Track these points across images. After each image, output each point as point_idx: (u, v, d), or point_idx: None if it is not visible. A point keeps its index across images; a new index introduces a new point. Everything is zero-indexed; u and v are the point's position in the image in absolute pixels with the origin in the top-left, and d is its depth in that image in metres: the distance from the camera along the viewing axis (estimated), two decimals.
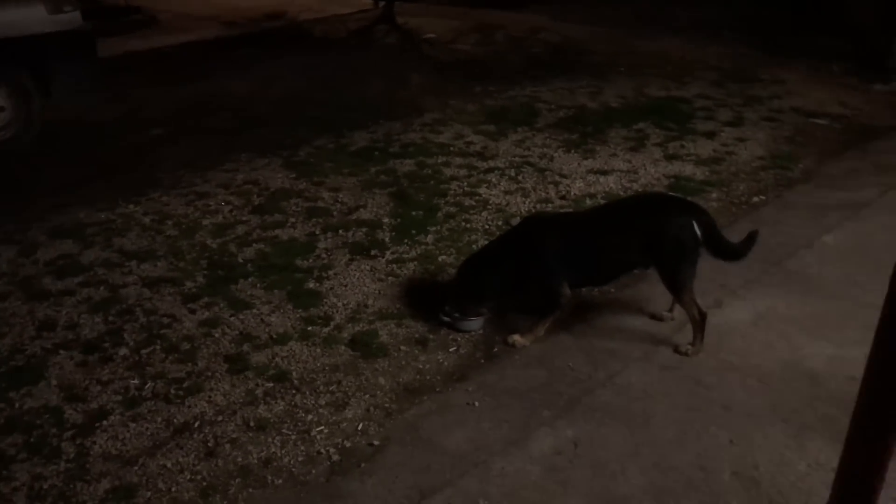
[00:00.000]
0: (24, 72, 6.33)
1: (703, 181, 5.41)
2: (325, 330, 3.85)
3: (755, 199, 5.14)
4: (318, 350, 3.69)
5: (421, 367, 3.57)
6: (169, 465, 2.99)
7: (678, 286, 3.52)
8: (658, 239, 3.52)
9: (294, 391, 3.40)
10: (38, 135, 6.53)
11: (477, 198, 5.27)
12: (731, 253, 3.59)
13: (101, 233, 4.90)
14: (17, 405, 3.34)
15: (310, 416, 3.24)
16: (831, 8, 9.15)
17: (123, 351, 3.69)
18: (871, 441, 1.80)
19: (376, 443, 3.08)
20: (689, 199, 4.10)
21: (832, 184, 5.30)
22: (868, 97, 7.13)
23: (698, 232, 3.47)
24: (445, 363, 3.60)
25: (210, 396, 3.37)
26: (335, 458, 3.02)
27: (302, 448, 3.07)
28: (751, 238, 3.59)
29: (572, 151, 6.06)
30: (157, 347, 3.71)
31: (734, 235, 3.97)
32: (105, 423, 3.21)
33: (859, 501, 1.82)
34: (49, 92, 6.48)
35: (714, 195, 5.18)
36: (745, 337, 3.61)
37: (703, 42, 9.34)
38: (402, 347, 3.71)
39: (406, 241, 4.72)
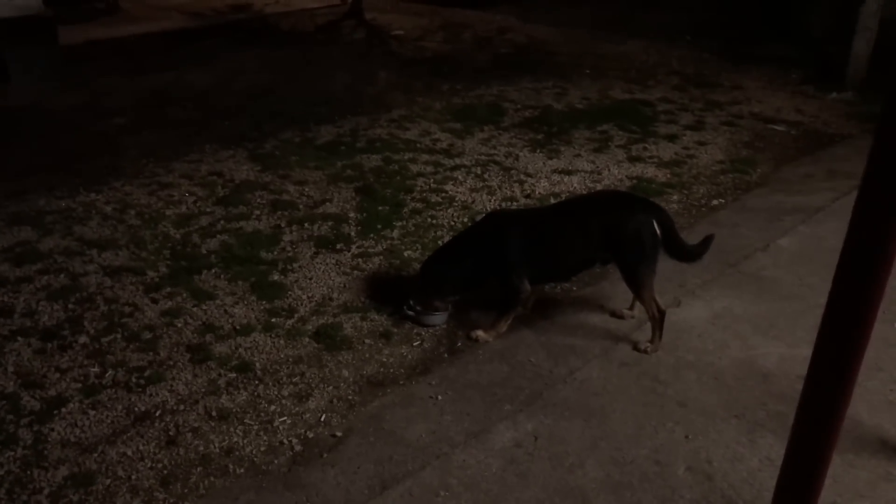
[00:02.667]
0: None
1: (665, 183, 5.52)
2: (290, 322, 3.85)
3: (714, 202, 5.26)
4: (282, 342, 3.69)
5: (384, 360, 3.60)
6: (129, 452, 2.97)
7: (638, 283, 3.59)
8: (618, 235, 3.58)
9: (257, 382, 3.40)
10: None
11: (443, 194, 5.30)
12: (687, 254, 3.67)
13: (61, 220, 4.82)
14: None
15: (273, 407, 3.25)
16: (789, 17, 9.38)
17: (83, 339, 3.65)
18: (813, 438, 1.88)
19: (339, 434, 3.10)
20: (649, 198, 4.17)
21: (788, 188, 5.45)
22: (823, 105, 7.33)
23: (658, 231, 3.54)
24: (409, 357, 3.63)
25: (172, 386, 3.35)
26: (297, 448, 3.03)
27: (264, 438, 3.08)
28: (706, 241, 3.67)
29: (537, 151, 6.13)
30: (118, 336, 3.68)
31: (693, 237, 4.07)
32: (63, 410, 3.18)
33: (801, 497, 1.89)
34: (8, 77, 6.36)
35: (675, 197, 5.29)
36: (701, 336, 3.70)
37: (664, 46, 9.50)
38: (366, 340, 3.73)
39: (372, 235, 4.73)
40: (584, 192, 5.31)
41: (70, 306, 3.91)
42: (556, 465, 2.91)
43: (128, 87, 7.73)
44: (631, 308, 3.86)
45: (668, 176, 5.66)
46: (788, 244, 4.55)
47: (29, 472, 2.87)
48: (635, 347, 3.62)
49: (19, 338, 3.65)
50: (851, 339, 1.75)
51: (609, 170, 5.76)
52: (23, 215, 4.87)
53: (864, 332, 1.71)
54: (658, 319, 3.57)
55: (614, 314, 3.90)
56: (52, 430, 3.07)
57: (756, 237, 4.64)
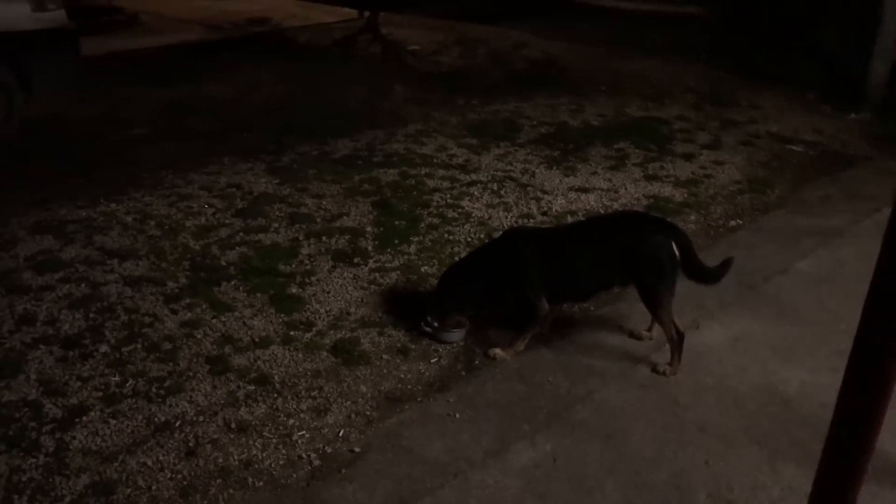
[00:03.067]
0: (5, 68, 6.27)
1: (682, 203, 5.52)
2: (308, 335, 3.86)
3: (732, 222, 5.25)
4: (300, 355, 3.70)
5: (402, 376, 3.60)
6: (149, 462, 2.98)
7: (656, 305, 3.58)
8: (636, 257, 3.58)
9: (276, 395, 3.41)
10: (19, 131, 6.46)
11: (459, 210, 5.32)
12: (705, 276, 3.66)
13: (82, 230, 4.85)
14: None
15: (291, 421, 3.25)
16: (808, 36, 9.38)
17: (104, 348, 3.67)
18: (842, 468, 1.86)
19: (357, 449, 3.10)
20: (668, 219, 4.18)
21: (806, 210, 5.44)
22: (842, 125, 7.32)
23: (676, 252, 3.54)
24: (426, 373, 3.63)
25: (191, 396, 3.37)
26: (316, 462, 3.03)
27: (283, 451, 3.08)
28: (725, 264, 3.67)
29: (554, 168, 6.15)
30: (138, 346, 3.70)
31: (711, 258, 4.07)
32: (85, 418, 3.20)
33: None
34: (31, 88, 6.42)
35: (692, 217, 5.29)
36: (721, 359, 3.69)
37: (680, 64, 9.51)
38: (384, 356, 3.74)
39: (389, 250, 4.75)
40: (602, 211, 5.32)
41: (91, 315, 3.94)
42: (575, 486, 2.90)
43: (148, 99, 7.80)
44: (649, 329, 3.85)
45: (685, 195, 5.65)
46: (808, 267, 4.54)
47: (51, 480, 2.88)
48: (654, 369, 3.61)
49: (41, 346, 3.67)
50: (883, 369, 1.74)
51: (626, 188, 5.76)
52: (45, 224, 4.91)
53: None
54: (677, 342, 3.56)
55: (633, 335, 3.89)
56: (74, 438, 3.09)
57: (775, 259, 4.63)
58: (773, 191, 5.78)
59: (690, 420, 3.27)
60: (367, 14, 12.01)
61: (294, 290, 4.26)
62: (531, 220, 5.19)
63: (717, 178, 6.00)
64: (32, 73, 6.34)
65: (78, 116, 7.16)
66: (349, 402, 3.39)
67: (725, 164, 6.28)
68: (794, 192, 5.80)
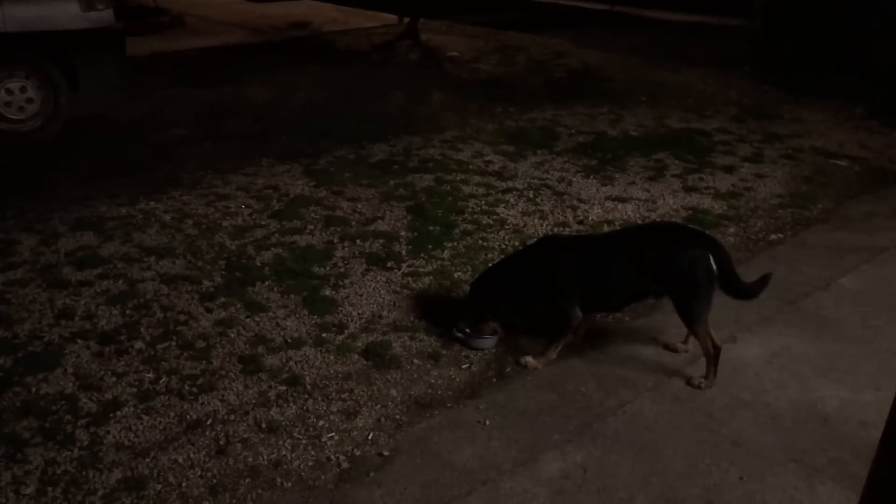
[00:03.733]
0: (54, 66, 6.42)
1: (721, 215, 5.43)
2: (339, 338, 3.87)
3: (773, 236, 5.15)
4: (332, 357, 3.71)
5: (433, 381, 3.58)
6: (180, 459, 3.01)
7: (693, 318, 3.52)
8: (672, 269, 3.52)
9: (306, 396, 3.41)
10: (63, 128, 6.60)
11: (494, 217, 5.29)
12: (742, 292, 3.58)
13: (122, 227, 4.94)
14: (32, 390, 3.37)
15: (321, 422, 3.26)
16: (854, 50, 9.20)
17: (139, 344, 3.72)
18: (889, 490, 1.79)
19: (386, 453, 3.09)
20: (706, 232, 4.11)
21: (850, 226, 5.31)
22: (888, 141, 7.14)
23: (714, 266, 3.47)
24: (457, 379, 3.61)
25: (223, 395, 3.39)
26: (344, 465, 3.03)
27: (312, 453, 3.08)
28: (764, 280, 3.58)
29: (591, 177, 6.09)
30: (173, 343, 3.74)
31: (751, 272, 4.00)
32: (119, 413, 3.24)
33: None
34: (77, 87, 6.56)
35: (731, 230, 5.20)
36: (758, 374, 3.61)
37: (722, 76, 9.38)
38: (415, 360, 3.72)
39: (422, 255, 4.74)
40: (640, 222, 5.26)
41: (128, 312, 4.00)
42: (605, 499, 2.86)
43: (188, 100, 7.93)
44: (685, 342, 3.78)
45: (725, 208, 5.56)
46: (851, 284, 4.43)
47: (84, 473, 2.92)
48: (689, 382, 3.54)
49: (79, 340, 3.73)
50: None
51: (664, 199, 5.69)
52: (85, 221, 5.01)
53: None
54: (713, 355, 3.49)
55: (667, 347, 3.83)
56: (108, 432, 3.13)
57: (816, 275, 4.52)
58: (815, 206, 5.66)
59: (725, 435, 3.20)
60: (406, 20, 12.08)
61: (327, 292, 4.28)
62: (567, 229, 5.15)
63: (758, 191, 5.90)
64: (79, 71, 6.49)
65: (121, 116, 7.31)
66: (379, 406, 3.38)
67: (767, 178, 6.17)
68: (838, 207, 5.67)
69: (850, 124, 7.66)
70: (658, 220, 5.31)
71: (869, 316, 4.06)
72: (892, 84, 7.93)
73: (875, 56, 8.71)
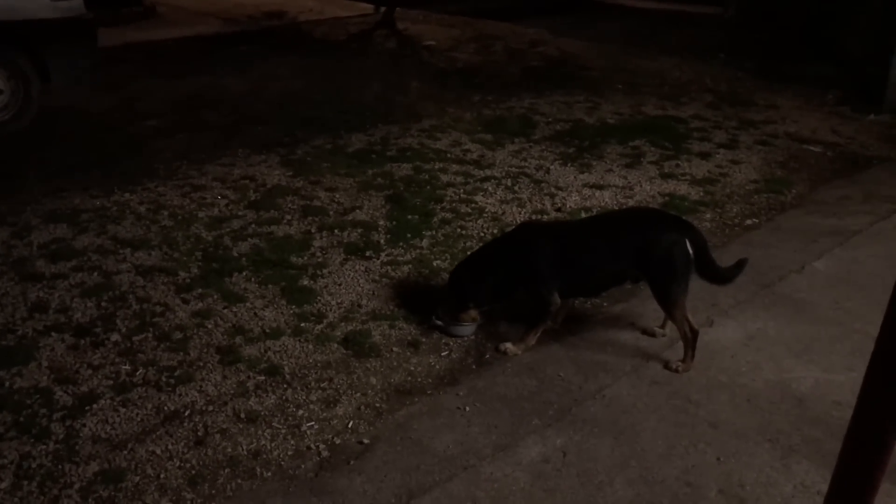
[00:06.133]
0: (24, 56, 6.31)
1: (697, 201, 5.47)
2: (318, 327, 3.85)
3: (748, 221, 5.20)
4: (311, 346, 3.70)
5: (412, 369, 3.59)
6: (158, 451, 2.98)
7: (670, 302, 3.55)
8: (650, 254, 3.54)
9: (285, 386, 3.40)
10: (35, 120, 6.50)
11: (473, 205, 5.29)
12: (718, 277, 3.62)
13: (96, 219, 4.88)
14: (6, 384, 3.33)
15: (300, 412, 3.25)
16: (827, 37, 9.28)
17: (115, 337, 3.68)
18: (860, 467, 1.82)
19: (366, 441, 3.09)
20: (683, 217, 4.14)
21: (823, 210, 5.37)
22: (860, 126, 7.23)
23: (690, 251, 3.50)
24: (437, 366, 3.61)
25: (201, 386, 3.37)
26: (324, 453, 3.02)
27: (292, 442, 3.07)
28: (739, 265, 3.62)
29: (568, 165, 6.11)
30: (150, 335, 3.71)
31: (726, 256, 4.04)
32: (95, 406, 3.20)
33: None
34: (48, 77, 6.46)
35: (708, 216, 5.24)
36: (734, 356, 3.65)
37: (698, 64, 9.44)
38: (395, 349, 3.72)
39: (401, 244, 4.73)
40: (617, 208, 5.28)
41: (103, 304, 3.95)
42: (585, 482, 2.88)
43: (163, 90, 7.84)
44: (662, 326, 3.82)
45: (701, 194, 5.60)
46: (824, 267, 4.48)
47: (60, 467, 2.89)
48: (666, 366, 3.57)
49: (53, 333, 3.68)
50: None
51: (641, 185, 5.72)
52: (59, 213, 4.94)
53: None
54: (690, 339, 3.53)
55: (645, 332, 3.86)
56: (84, 425, 3.10)
57: (791, 259, 4.57)
58: (789, 190, 5.72)
59: (702, 417, 3.23)
60: (383, 9, 12.02)
61: (306, 282, 4.26)
62: (545, 216, 5.16)
63: (734, 176, 5.95)
64: (50, 62, 6.39)
65: (94, 107, 7.21)
66: (359, 394, 3.38)
67: (742, 164, 6.22)
68: (812, 192, 5.73)
69: (823, 110, 7.74)
70: (635, 206, 5.34)
71: (842, 298, 4.12)
72: (862, 70, 8.02)
73: (846, 43, 8.80)
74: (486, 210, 5.23)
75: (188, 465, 2.93)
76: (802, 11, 9.76)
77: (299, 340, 3.73)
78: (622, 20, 12.10)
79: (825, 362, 3.59)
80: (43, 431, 3.06)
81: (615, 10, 13.20)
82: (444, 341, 3.80)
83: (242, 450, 3.02)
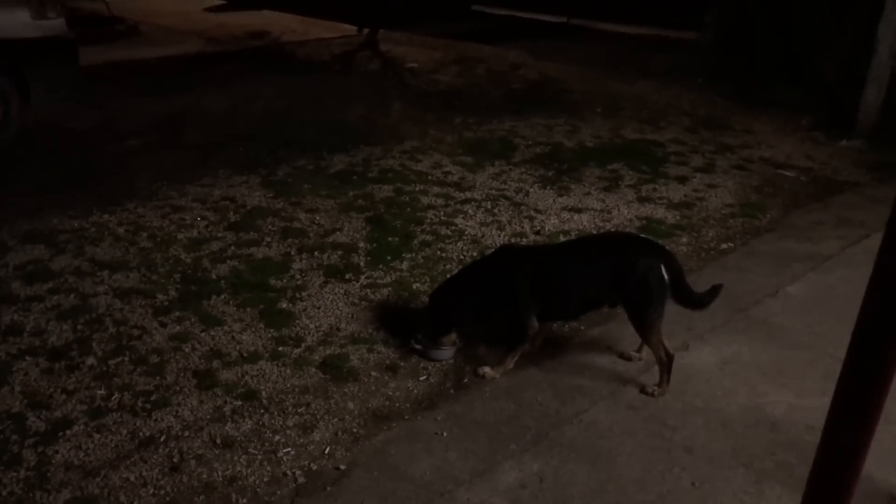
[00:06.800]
0: (4, 75, 6.29)
1: (674, 225, 5.53)
2: (297, 351, 3.85)
3: (723, 245, 5.27)
4: (289, 371, 3.69)
5: (390, 393, 3.59)
6: (132, 478, 2.96)
7: (645, 327, 3.58)
8: (625, 278, 3.58)
9: (262, 411, 3.39)
10: (14, 138, 6.46)
11: (453, 227, 5.32)
12: (694, 302, 3.66)
13: (74, 240, 4.85)
14: None
15: (277, 437, 3.23)
16: (802, 63, 9.45)
17: (91, 360, 3.65)
18: (828, 493, 1.85)
19: (343, 467, 3.08)
20: (659, 242, 4.19)
21: (797, 234, 5.45)
22: (833, 152, 7.36)
23: (666, 276, 3.55)
24: (415, 391, 3.62)
25: (177, 411, 3.35)
26: (301, 480, 3.01)
27: (268, 468, 3.06)
28: (714, 290, 3.66)
29: (548, 188, 6.16)
30: (126, 359, 3.68)
31: (702, 280, 4.09)
32: (69, 432, 3.17)
33: None
34: (28, 96, 6.44)
35: (684, 239, 5.30)
36: (709, 381, 3.69)
37: (676, 88, 9.57)
38: (373, 373, 3.72)
39: (381, 266, 4.75)
40: (595, 232, 5.33)
41: (79, 327, 3.93)
42: None
43: (144, 110, 7.83)
44: (639, 350, 3.85)
45: (678, 218, 5.67)
46: (798, 291, 4.55)
47: (31, 495, 2.85)
48: (643, 390, 3.60)
49: (27, 357, 3.65)
50: (872, 390, 1.73)
51: (619, 209, 5.78)
52: (36, 233, 4.91)
53: (884, 385, 1.69)
54: (666, 363, 3.56)
55: (622, 356, 3.89)
56: (57, 452, 3.07)
57: (765, 283, 4.63)
58: (764, 215, 5.80)
59: (678, 441, 3.26)
60: (366, 31, 12.10)
61: (284, 304, 4.26)
62: (524, 239, 5.20)
63: (710, 201, 6.03)
64: (30, 80, 6.37)
65: (74, 126, 7.18)
66: (336, 419, 3.37)
67: (718, 188, 6.30)
68: (786, 216, 5.82)
69: (798, 135, 7.87)
70: (613, 230, 5.39)
71: (815, 322, 4.18)
72: (835, 96, 8.16)
73: (821, 68, 8.96)
74: (466, 232, 5.26)
75: (162, 492, 2.90)
76: (778, 37, 9.94)
77: (277, 364, 3.72)
78: (602, 44, 12.25)
79: (798, 387, 3.64)
80: (14, 458, 3.02)
81: (595, 34, 13.35)
82: (422, 365, 3.80)
83: (218, 476, 3.00)
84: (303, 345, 3.90)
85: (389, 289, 4.49)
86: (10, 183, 5.78)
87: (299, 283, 4.50)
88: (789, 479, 3.00)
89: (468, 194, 5.95)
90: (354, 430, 3.31)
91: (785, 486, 2.97)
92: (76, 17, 8.59)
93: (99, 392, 3.44)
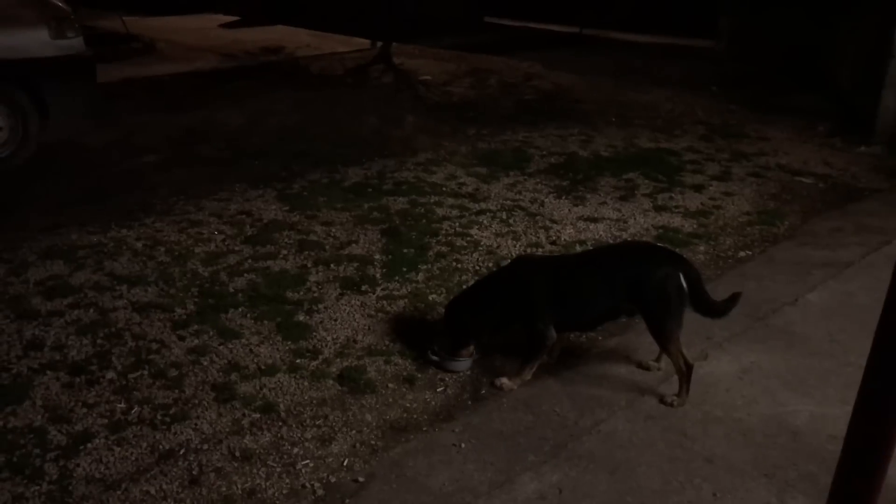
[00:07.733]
0: (23, 93, 6.38)
1: (691, 233, 5.51)
2: (314, 363, 3.85)
3: (741, 253, 5.23)
4: (306, 383, 3.69)
5: (408, 405, 3.58)
6: (152, 491, 2.97)
7: (664, 336, 3.56)
8: (644, 288, 3.56)
9: (280, 423, 3.39)
10: (33, 156, 6.55)
11: (468, 238, 5.33)
12: (712, 310, 3.63)
13: (93, 255, 4.90)
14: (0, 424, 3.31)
15: (295, 450, 3.24)
16: (817, 69, 9.41)
17: (110, 374, 3.68)
18: (851, 502, 1.83)
19: (361, 479, 3.07)
20: (676, 251, 4.17)
21: (816, 242, 5.41)
22: (851, 158, 7.31)
23: (684, 284, 3.52)
24: (432, 403, 3.61)
25: (196, 424, 3.36)
26: (319, 492, 3.01)
27: (286, 481, 3.06)
28: (733, 298, 3.63)
29: (563, 198, 6.16)
30: (145, 373, 3.70)
31: (720, 289, 4.06)
32: (89, 445, 3.19)
33: None
34: (47, 114, 6.53)
35: (701, 248, 5.28)
36: (729, 390, 3.65)
37: (690, 96, 9.56)
38: (390, 385, 3.72)
39: (397, 278, 4.75)
40: (611, 241, 5.31)
41: (99, 341, 3.95)
42: None
43: (160, 125, 7.90)
44: (657, 360, 3.82)
45: (695, 226, 5.65)
46: (817, 299, 4.50)
47: None
48: (662, 400, 3.57)
49: (48, 371, 3.68)
50: (894, 398, 1.72)
51: (635, 218, 5.76)
52: (55, 249, 4.96)
53: None
54: (685, 373, 3.53)
55: (640, 366, 3.86)
56: (78, 465, 3.08)
57: (784, 291, 4.60)
58: (782, 222, 5.76)
59: (698, 452, 3.23)
60: (379, 44, 12.17)
61: (301, 317, 4.27)
62: (539, 249, 5.19)
63: (727, 209, 6.00)
64: (49, 98, 6.46)
65: (92, 143, 7.26)
66: (354, 432, 3.37)
67: (735, 196, 6.27)
68: (804, 224, 5.78)
69: (814, 142, 7.83)
70: (629, 239, 5.37)
71: (835, 330, 4.14)
72: (852, 102, 8.12)
73: (836, 74, 8.92)
74: (482, 243, 5.26)
75: None
76: (793, 43, 9.91)
77: (294, 377, 3.73)
78: (615, 54, 12.27)
79: (820, 395, 3.60)
80: (36, 472, 3.04)
81: (608, 44, 13.38)
82: (439, 377, 3.80)
83: (237, 489, 3.00)
84: (320, 357, 3.91)
85: (405, 300, 4.49)
86: (29, 199, 5.85)
87: (316, 295, 4.51)
88: (813, 490, 2.96)
89: (483, 205, 5.95)
90: (372, 442, 3.31)
91: (808, 496, 2.93)
92: (93, 35, 8.69)
93: (119, 406, 3.46)
